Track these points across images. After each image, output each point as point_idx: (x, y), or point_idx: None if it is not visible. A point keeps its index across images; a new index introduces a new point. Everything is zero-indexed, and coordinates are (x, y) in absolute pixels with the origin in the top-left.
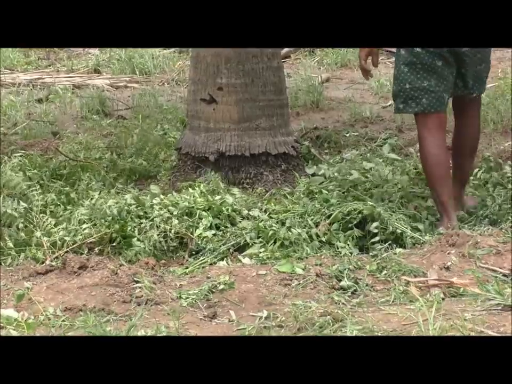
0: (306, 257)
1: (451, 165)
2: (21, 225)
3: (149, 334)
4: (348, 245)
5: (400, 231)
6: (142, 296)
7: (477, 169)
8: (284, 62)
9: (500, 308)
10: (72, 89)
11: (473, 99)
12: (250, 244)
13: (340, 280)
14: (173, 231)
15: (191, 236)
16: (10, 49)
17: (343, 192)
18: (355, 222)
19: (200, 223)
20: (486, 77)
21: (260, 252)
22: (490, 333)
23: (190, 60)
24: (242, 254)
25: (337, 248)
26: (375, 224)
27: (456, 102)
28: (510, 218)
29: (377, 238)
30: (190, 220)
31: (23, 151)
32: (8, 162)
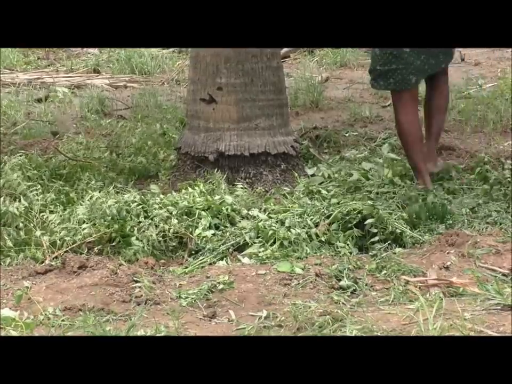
0: (306, 257)
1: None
2: (20, 225)
3: (148, 334)
4: (348, 244)
5: (399, 231)
6: (142, 295)
7: (478, 168)
8: (283, 61)
9: (499, 307)
10: (72, 89)
11: (441, 70)
12: (249, 244)
13: (340, 280)
14: (172, 230)
15: (191, 235)
16: (9, 49)
17: (343, 193)
18: (354, 221)
19: (200, 223)
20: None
21: (260, 252)
22: (490, 332)
23: (190, 60)
24: (242, 253)
25: (337, 248)
26: (370, 220)
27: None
28: (509, 218)
29: (376, 238)
30: (190, 220)
31: (23, 151)
32: (8, 162)
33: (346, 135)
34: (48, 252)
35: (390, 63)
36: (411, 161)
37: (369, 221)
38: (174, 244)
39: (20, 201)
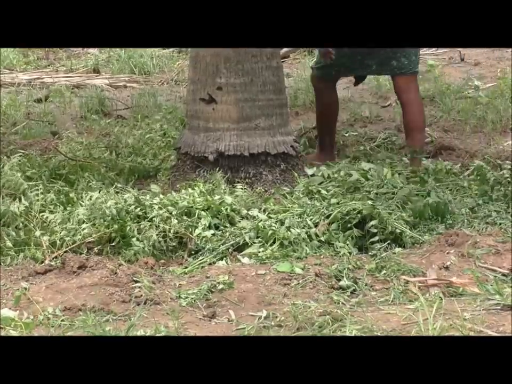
0: (306, 257)
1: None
2: (20, 225)
3: (148, 334)
4: (347, 244)
5: (399, 231)
6: (141, 296)
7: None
8: (283, 61)
9: (499, 307)
10: (72, 89)
11: (393, 78)
12: (249, 244)
13: (339, 280)
14: (172, 230)
15: (190, 235)
16: (9, 49)
17: (342, 193)
18: (354, 221)
19: (199, 223)
20: (393, 58)
21: (259, 252)
22: (490, 332)
23: (189, 60)
24: (242, 253)
25: (337, 248)
26: (372, 222)
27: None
28: (509, 217)
29: (376, 238)
30: (189, 220)
31: (23, 151)
32: (7, 162)
33: (346, 135)
34: (48, 252)
35: (319, 59)
36: (319, 138)
37: (371, 223)
38: (173, 244)
39: (20, 201)
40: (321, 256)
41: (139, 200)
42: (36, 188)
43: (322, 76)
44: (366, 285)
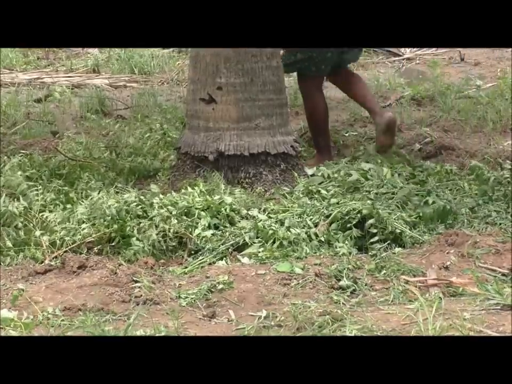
0: (305, 257)
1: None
2: (20, 225)
3: (148, 334)
4: (347, 244)
5: (399, 231)
6: (141, 295)
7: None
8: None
9: (499, 307)
10: (72, 88)
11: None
12: (249, 244)
13: (339, 280)
14: (172, 230)
15: (190, 235)
16: (9, 48)
17: (342, 193)
18: (354, 221)
19: (199, 223)
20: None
21: (259, 252)
22: (490, 332)
23: (189, 60)
24: (241, 253)
25: (336, 248)
26: (372, 221)
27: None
28: (509, 217)
29: (376, 238)
30: (189, 220)
31: (23, 151)
32: (7, 162)
33: (346, 135)
34: (48, 251)
35: (295, 55)
36: (314, 141)
37: (371, 222)
38: (173, 243)
39: (19, 200)
40: (321, 256)
41: (141, 199)
42: (36, 187)
43: (306, 76)
44: (365, 285)
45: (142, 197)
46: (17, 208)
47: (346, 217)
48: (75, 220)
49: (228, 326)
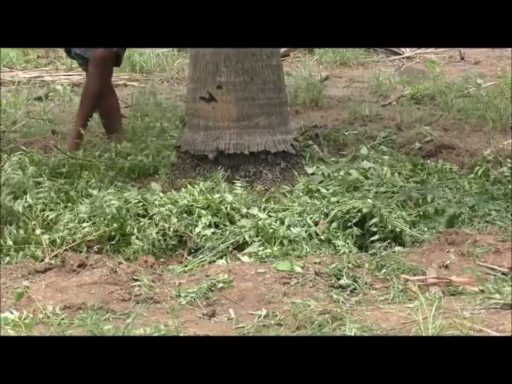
0: (305, 256)
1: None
2: (20, 223)
3: (148, 333)
4: (347, 243)
5: (399, 230)
6: (141, 294)
7: (477, 167)
8: (283, 60)
9: (499, 306)
10: (72, 87)
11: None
12: (249, 242)
13: (339, 279)
14: (172, 229)
15: (190, 234)
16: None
17: (342, 192)
18: (354, 220)
19: (199, 221)
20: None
21: (259, 250)
22: (489, 331)
23: (189, 58)
24: (242, 252)
25: (336, 247)
26: (372, 220)
27: None
28: (509, 216)
29: (376, 237)
30: (189, 218)
31: (23, 149)
32: (7, 160)
33: (346, 133)
34: (48, 250)
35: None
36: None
37: (373, 221)
38: (173, 242)
39: (22, 199)
40: (321, 255)
41: (144, 197)
42: (41, 186)
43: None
44: (365, 283)
45: (144, 196)
46: (20, 207)
47: (347, 216)
48: (75, 219)
49: (228, 325)
